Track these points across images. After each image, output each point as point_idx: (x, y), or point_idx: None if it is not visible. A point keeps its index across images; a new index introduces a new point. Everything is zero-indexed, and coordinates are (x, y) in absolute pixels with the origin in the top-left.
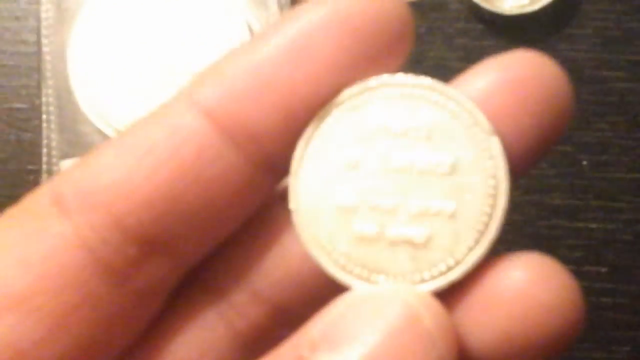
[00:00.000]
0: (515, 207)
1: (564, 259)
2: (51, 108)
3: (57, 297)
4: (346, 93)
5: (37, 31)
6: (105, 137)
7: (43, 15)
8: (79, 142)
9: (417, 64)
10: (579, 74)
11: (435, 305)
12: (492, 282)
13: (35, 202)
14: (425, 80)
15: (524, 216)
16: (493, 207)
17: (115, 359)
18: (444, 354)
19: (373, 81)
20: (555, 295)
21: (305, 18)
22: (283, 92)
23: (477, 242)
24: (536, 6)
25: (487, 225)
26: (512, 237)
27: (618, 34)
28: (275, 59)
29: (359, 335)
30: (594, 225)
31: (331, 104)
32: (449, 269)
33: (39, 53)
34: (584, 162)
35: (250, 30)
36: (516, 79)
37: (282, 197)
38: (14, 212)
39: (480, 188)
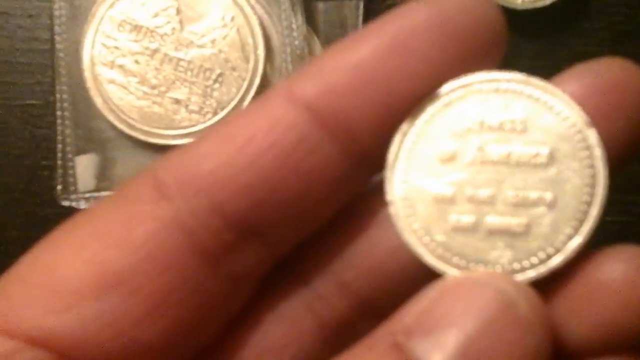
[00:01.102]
0: None
1: None
2: (65, 104)
3: (157, 279)
4: (441, 90)
5: (51, 28)
6: (119, 132)
7: (56, 12)
8: (93, 138)
9: None
10: None
11: (531, 292)
12: (592, 274)
13: (137, 187)
14: (519, 75)
15: None
16: (592, 195)
17: (206, 344)
18: (539, 341)
19: (466, 78)
20: None
21: (407, 18)
22: (380, 88)
23: (576, 230)
24: (548, 0)
25: (586, 213)
26: None
27: (629, 29)
28: (374, 57)
29: (455, 321)
30: (609, 218)
31: (426, 100)
32: (549, 257)
33: (52, 50)
34: None
35: (262, 25)
36: (609, 83)
37: (374, 191)
38: (117, 196)
39: (578, 178)
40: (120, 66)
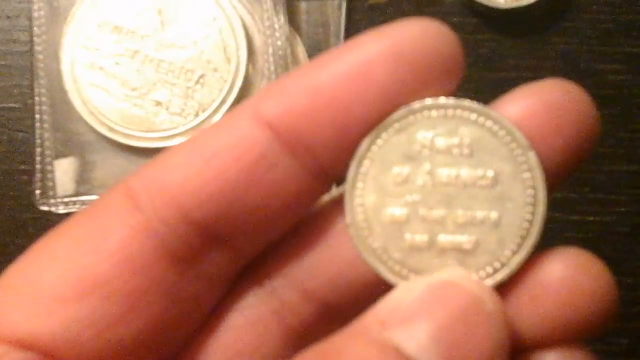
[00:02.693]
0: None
1: None
2: (44, 107)
3: (131, 282)
4: (393, 116)
5: (29, 30)
6: (99, 135)
7: (35, 14)
8: (72, 141)
9: None
10: (574, 67)
11: (493, 292)
12: (537, 276)
13: (111, 197)
14: (465, 102)
15: None
16: (533, 214)
17: (181, 343)
18: (503, 335)
19: (416, 104)
20: (592, 283)
21: (364, 48)
22: (337, 113)
23: (519, 246)
24: None
25: (528, 231)
26: None
27: (613, 27)
28: (332, 83)
29: (428, 312)
30: (590, 218)
31: (380, 127)
32: (495, 271)
33: (31, 52)
34: None
35: (244, 25)
36: (550, 105)
37: (335, 203)
38: (93, 206)
39: (520, 197)
40: (101, 68)
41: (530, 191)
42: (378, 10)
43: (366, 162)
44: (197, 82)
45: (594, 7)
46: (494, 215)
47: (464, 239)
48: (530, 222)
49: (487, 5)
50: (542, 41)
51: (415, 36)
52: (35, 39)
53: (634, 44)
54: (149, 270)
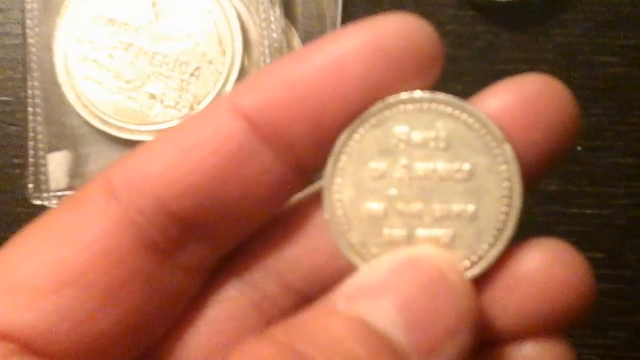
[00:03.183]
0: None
1: None
2: (37, 100)
3: (109, 273)
4: (369, 111)
5: (22, 23)
6: (92, 128)
7: (28, 6)
8: (66, 135)
9: None
10: (572, 59)
11: (458, 267)
12: (514, 266)
13: (90, 189)
14: (441, 96)
15: None
16: (509, 206)
17: (158, 338)
18: (468, 308)
19: (392, 99)
20: (569, 274)
21: (342, 42)
22: (314, 106)
23: (496, 239)
24: None
25: (505, 223)
26: None
27: (611, 19)
28: (309, 77)
29: (393, 286)
30: (588, 211)
31: (356, 121)
32: (473, 264)
33: (24, 45)
34: (578, 148)
35: (239, 17)
36: (528, 99)
37: (314, 196)
38: (72, 198)
39: (496, 190)
40: (94, 61)
41: (506, 184)
42: (375, 2)
43: (343, 158)
44: (191, 74)
45: None
46: (470, 208)
47: (441, 233)
48: (507, 214)
49: None
50: (540, 33)
51: (393, 31)
52: (28, 31)
53: (632, 36)
54: (128, 261)
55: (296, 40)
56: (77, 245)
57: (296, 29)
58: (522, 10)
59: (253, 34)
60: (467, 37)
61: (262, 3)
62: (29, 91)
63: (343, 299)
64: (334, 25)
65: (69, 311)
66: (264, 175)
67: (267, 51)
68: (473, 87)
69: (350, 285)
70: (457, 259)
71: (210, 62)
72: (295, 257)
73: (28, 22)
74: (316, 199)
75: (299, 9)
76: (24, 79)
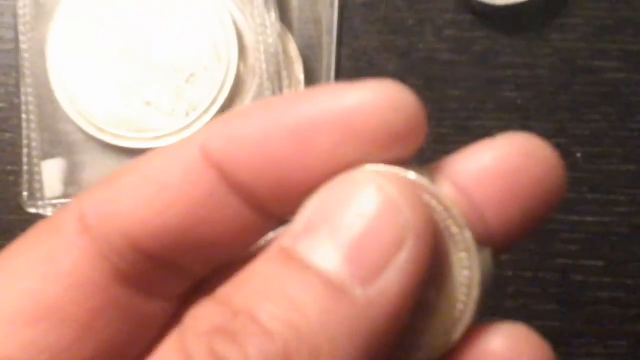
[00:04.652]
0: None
1: (560, 253)
2: (30, 107)
3: (83, 305)
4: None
5: (14, 28)
6: (86, 135)
7: (20, 11)
8: (59, 141)
9: (405, 55)
10: (571, 64)
11: (412, 193)
12: (474, 352)
13: (63, 218)
14: (407, 174)
15: None
16: (468, 296)
17: None
18: (408, 218)
19: (356, 172)
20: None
21: (316, 106)
22: (279, 170)
23: (453, 326)
24: None
25: (462, 312)
26: None
27: (610, 23)
28: (278, 138)
29: (338, 222)
30: (589, 219)
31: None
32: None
33: (16, 50)
34: (578, 155)
35: (234, 22)
36: (506, 168)
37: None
38: (45, 226)
39: (456, 279)
40: (88, 66)
41: (465, 272)
42: (371, 7)
43: None
44: (187, 80)
45: (591, 3)
46: (432, 294)
47: None
48: (465, 303)
49: (482, 2)
50: (538, 38)
51: (370, 104)
52: (20, 37)
53: (631, 40)
54: (102, 293)
55: (292, 45)
56: (52, 278)
57: (292, 33)
58: (521, 14)
59: (248, 39)
60: (465, 41)
61: (257, 7)
62: (22, 97)
63: (290, 238)
64: (330, 30)
65: (46, 344)
66: (233, 220)
67: (262, 56)
68: (471, 93)
69: (297, 222)
70: (396, 171)
71: (205, 68)
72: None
73: (20, 27)
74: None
75: (294, 13)
76: (17, 85)
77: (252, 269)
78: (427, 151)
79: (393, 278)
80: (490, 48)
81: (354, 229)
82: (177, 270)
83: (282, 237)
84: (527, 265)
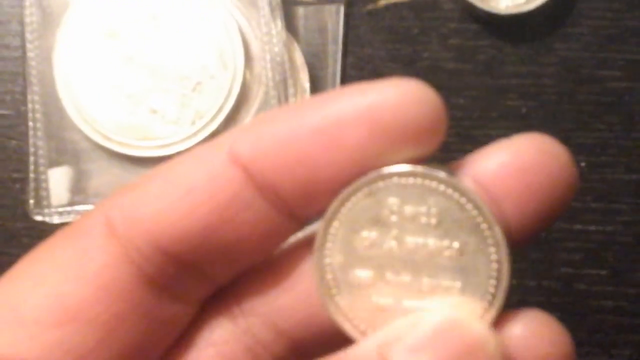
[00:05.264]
0: None
1: (563, 262)
2: (37, 115)
3: (110, 308)
4: (363, 180)
5: (21, 35)
6: (93, 144)
7: (27, 19)
8: (66, 149)
9: (411, 64)
10: (575, 74)
11: (495, 334)
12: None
13: (89, 222)
14: (438, 173)
15: None
16: (497, 287)
17: None
18: None
19: (386, 170)
20: (550, 347)
21: (341, 106)
22: (308, 168)
23: (483, 316)
24: (532, 5)
25: (491, 303)
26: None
27: (615, 32)
28: (306, 138)
29: (432, 347)
30: (593, 228)
31: (350, 189)
32: None
33: (23, 58)
34: (582, 164)
35: (241, 31)
36: (524, 164)
37: (308, 242)
38: (72, 230)
39: (484, 271)
40: (95, 74)
41: (494, 265)
42: (377, 16)
43: (335, 224)
44: (193, 89)
45: (596, 13)
46: (458, 285)
47: (429, 304)
48: (493, 295)
49: (487, 11)
50: (543, 47)
51: (394, 99)
52: (27, 44)
53: (636, 50)
54: (128, 296)
55: (298, 54)
56: (79, 280)
57: (298, 42)
58: (526, 23)
59: (254, 47)
60: (470, 51)
61: (264, 16)
62: (29, 105)
63: (376, 350)
64: (336, 39)
65: (71, 345)
66: (258, 222)
67: (268, 65)
68: (476, 102)
69: (384, 336)
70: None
71: (211, 77)
72: (289, 304)
73: (27, 35)
74: (309, 244)
75: (300, 22)
76: (23, 93)
77: None
78: (433, 160)
79: None
80: (495, 57)
81: None
82: (200, 275)
83: (373, 341)
84: (531, 274)
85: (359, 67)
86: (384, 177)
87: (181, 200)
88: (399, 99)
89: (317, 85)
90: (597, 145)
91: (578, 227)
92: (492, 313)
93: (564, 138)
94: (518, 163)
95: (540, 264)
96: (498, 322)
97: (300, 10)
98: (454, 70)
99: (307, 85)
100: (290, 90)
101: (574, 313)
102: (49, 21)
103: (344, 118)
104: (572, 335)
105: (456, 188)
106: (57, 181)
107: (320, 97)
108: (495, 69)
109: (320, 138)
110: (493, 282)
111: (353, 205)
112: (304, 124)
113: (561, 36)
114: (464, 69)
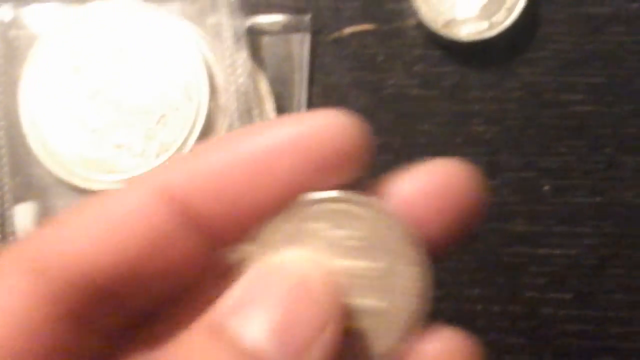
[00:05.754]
0: (477, 235)
1: (528, 286)
2: (2, 150)
3: (31, 345)
4: (290, 205)
5: None
6: (58, 179)
7: None
8: (32, 185)
9: (376, 92)
10: (538, 98)
11: (321, 270)
12: (413, 355)
13: (9, 259)
14: (359, 197)
15: (486, 244)
16: (420, 305)
17: None
18: (329, 306)
19: (311, 197)
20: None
21: (268, 137)
22: (239, 196)
23: (406, 335)
24: (494, 31)
25: (416, 320)
26: (475, 266)
27: (577, 56)
28: (235, 168)
29: (259, 297)
30: (557, 252)
31: (279, 217)
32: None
33: None
34: (546, 188)
35: (206, 63)
36: (439, 185)
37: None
38: None
39: (410, 290)
40: (60, 110)
41: (418, 284)
42: (342, 44)
43: (254, 248)
44: (157, 122)
45: (558, 37)
46: (384, 305)
47: (355, 326)
48: (417, 312)
49: (450, 38)
50: (506, 72)
51: (317, 130)
52: None
53: (598, 74)
54: (48, 332)
55: (263, 83)
56: None
57: (264, 71)
58: (489, 49)
59: (219, 79)
60: (435, 77)
61: (228, 48)
62: None
63: (217, 317)
64: (301, 67)
65: None
66: (183, 255)
67: (233, 96)
68: (441, 128)
69: (223, 303)
70: (320, 261)
71: (176, 109)
72: None
73: None
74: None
75: (266, 51)
76: None
77: (179, 341)
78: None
79: (317, 356)
80: (459, 83)
81: (283, 312)
82: (122, 305)
83: (211, 313)
84: (496, 299)
85: (325, 95)
86: (310, 203)
87: (106, 236)
88: (322, 129)
89: (282, 114)
90: (561, 169)
91: (542, 251)
92: (415, 329)
93: (528, 162)
94: (433, 184)
95: (505, 288)
96: (419, 338)
97: (266, 39)
98: (419, 96)
99: (272, 114)
100: (256, 120)
101: (539, 337)
102: (14, 57)
103: (272, 148)
104: (538, 359)
105: (382, 211)
106: (23, 217)
107: (247, 129)
108: (460, 94)
109: (248, 168)
110: (417, 300)
111: (276, 228)
112: (232, 155)
113: (524, 61)
114: (429, 95)
